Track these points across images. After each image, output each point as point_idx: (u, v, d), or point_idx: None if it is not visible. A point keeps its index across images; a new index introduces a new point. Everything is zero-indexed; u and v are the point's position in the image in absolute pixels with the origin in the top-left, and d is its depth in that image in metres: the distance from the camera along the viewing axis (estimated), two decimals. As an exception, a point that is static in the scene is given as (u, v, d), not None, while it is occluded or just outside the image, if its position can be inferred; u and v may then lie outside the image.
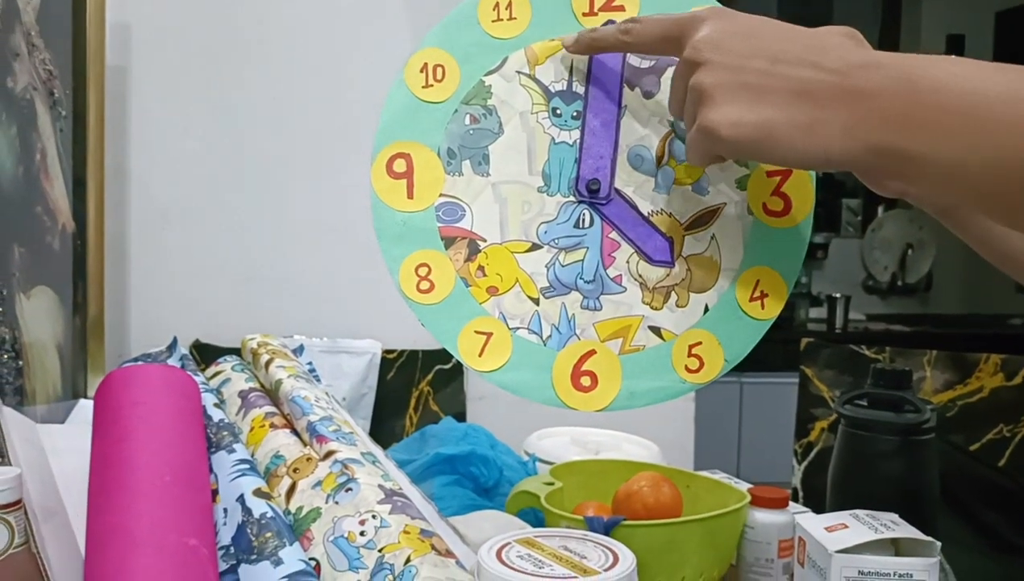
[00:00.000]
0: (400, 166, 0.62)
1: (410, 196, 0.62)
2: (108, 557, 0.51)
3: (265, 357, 0.80)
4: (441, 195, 0.62)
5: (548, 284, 0.62)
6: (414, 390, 1.52)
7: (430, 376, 1.52)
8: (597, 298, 0.62)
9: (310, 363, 0.89)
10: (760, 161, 0.53)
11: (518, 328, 0.61)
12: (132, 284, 1.56)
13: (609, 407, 0.62)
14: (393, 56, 1.56)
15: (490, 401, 1.58)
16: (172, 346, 0.84)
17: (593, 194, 0.62)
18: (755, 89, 0.49)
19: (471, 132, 0.62)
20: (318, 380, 0.85)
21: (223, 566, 0.55)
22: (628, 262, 0.63)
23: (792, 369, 1.49)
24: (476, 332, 0.61)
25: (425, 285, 0.61)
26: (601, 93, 0.63)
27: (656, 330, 0.63)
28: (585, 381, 0.61)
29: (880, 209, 3.64)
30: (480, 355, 0.61)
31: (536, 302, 0.62)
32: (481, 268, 0.61)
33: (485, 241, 0.62)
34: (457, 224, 0.62)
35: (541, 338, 0.62)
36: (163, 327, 1.51)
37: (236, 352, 0.89)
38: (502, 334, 0.61)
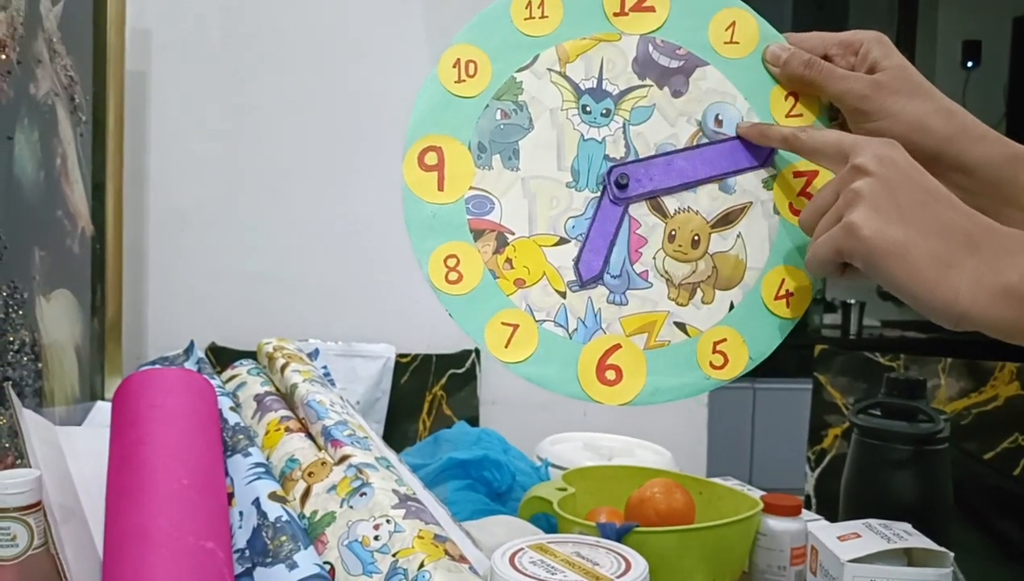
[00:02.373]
0: (431, 159, 0.62)
1: (440, 188, 0.62)
2: (126, 559, 0.52)
3: (281, 361, 0.80)
4: (471, 188, 0.63)
5: (575, 278, 0.62)
6: (427, 394, 1.52)
7: (443, 380, 1.53)
8: (623, 293, 0.62)
9: (325, 367, 0.89)
10: (882, 284, 0.53)
11: (544, 321, 0.62)
12: (149, 287, 1.57)
13: (633, 401, 0.62)
14: (409, 62, 1.57)
15: (503, 406, 1.59)
16: (189, 350, 0.85)
17: (620, 188, 0.62)
18: (906, 212, 0.51)
19: (502, 127, 0.63)
20: (332, 384, 0.85)
21: (238, 569, 0.56)
22: (655, 258, 0.63)
23: (806, 375, 1.49)
24: (503, 324, 0.61)
25: (453, 276, 0.61)
26: (714, 156, 0.63)
27: (681, 326, 0.63)
28: (610, 375, 0.62)
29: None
30: (506, 346, 0.61)
31: (563, 295, 0.62)
32: (509, 261, 0.62)
33: (513, 234, 0.62)
34: (486, 217, 0.62)
35: (567, 331, 0.62)
36: (180, 330, 1.52)
37: (252, 355, 0.90)
38: (528, 326, 0.61)
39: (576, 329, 0.62)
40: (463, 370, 1.53)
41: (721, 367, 0.63)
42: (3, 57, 0.91)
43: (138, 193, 1.53)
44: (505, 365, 0.61)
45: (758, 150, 0.64)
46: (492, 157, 0.63)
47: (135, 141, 1.50)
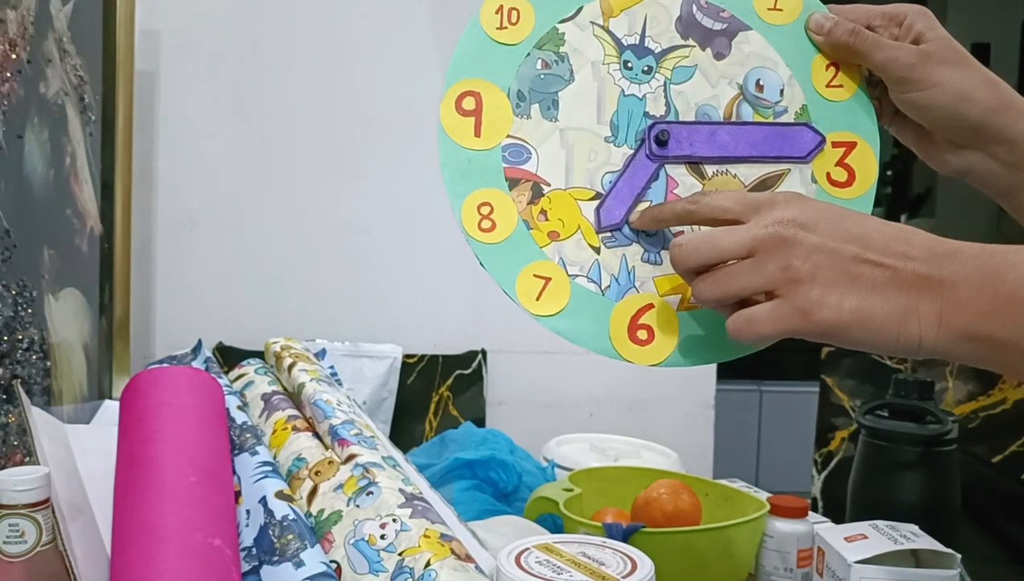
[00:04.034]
0: (469, 103, 0.62)
1: (477, 134, 0.61)
2: (134, 556, 0.52)
3: (288, 360, 0.80)
4: (508, 136, 0.62)
5: (610, 234, 0.61)
6: (434, 395, 1.53)
7: (450, 381, 1.53)
8: (658, 252, 0.62)
9: (332, 367, 0.89)
10: (846, 346, 0.52)
11: (577, 275, 0.61)
12: (157, 287, 1.57)
13: (664, 363, 0.60)
14: (418, 65, 1.58)
15: (509, 406, 1.59)
16: (197, 348, 0.85)
17: (659, 145, 0.62)
18: (851, 275, 0.50)
19: (542, 76, 0.63)
20: (339, 384, 0.86)
21: (245, 567, 0.56)
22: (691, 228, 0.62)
23: (812, 378, 1.48)
24: (535, 276, 0.60)
25: (487, 224, 0.60)
26: (760, 139, 0.62)
27: None
28: (642, 334, 0.60)
29: (903, 217, 3.61)
30: (538, 299, 0.60)
31: (597, 251, 0.61)
32: (544, 212, 0.61)
33: (549, 185, 0.61)
34: (522, 166, 0.61)
35: (600, 287, 0.61)
36: (187, 329, 1.53)
37: (259, 355, 0.90)
38: (561, 280, 0.60)
39: (609, 286, 0.61)
40: (469, 371, 1.54)
41: None
42: (14, 56, 0.91)
43: (147, 193, 1.54)
44: (535, 318, 0.60)
45: (804, 143, 0.63)
46: (531, 106, 0.62)
47: (144, 141, 1.51)
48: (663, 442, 1.06)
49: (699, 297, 0.55)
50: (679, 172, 0.62)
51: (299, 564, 0.54)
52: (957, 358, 0.50)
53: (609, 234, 0.61)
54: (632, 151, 0.62)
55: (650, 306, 0.61)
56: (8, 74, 0.90)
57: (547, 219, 0.61)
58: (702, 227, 0.58)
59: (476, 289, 1.57)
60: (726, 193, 0.56)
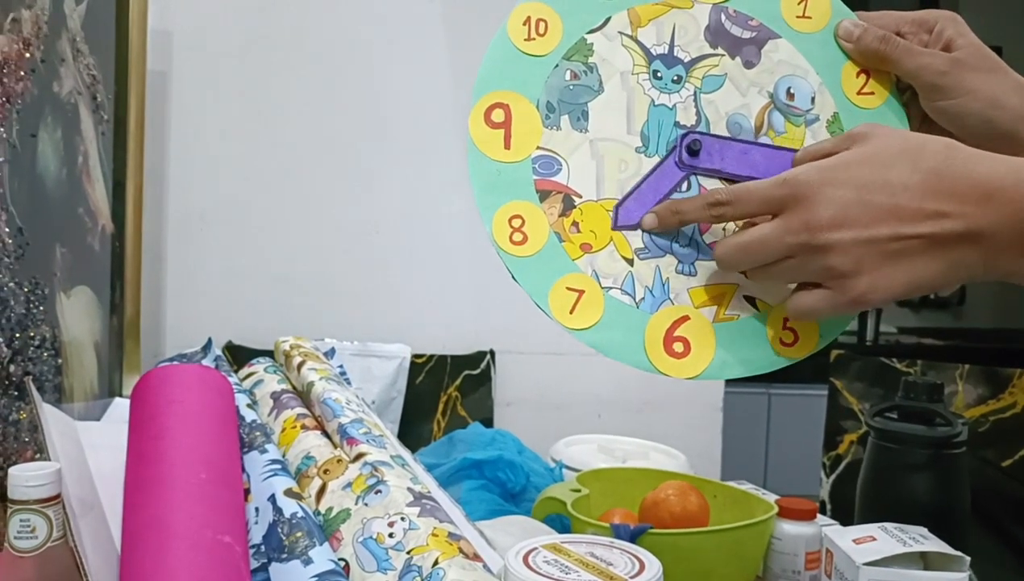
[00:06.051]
0: (498, 116, 0.61)
1: (507, 146, 0.61)
2: (144, 552, 0.52)
3: (297, 359, 0.81)
4: (538, 148, 0.61)
5: (643, 245, 0.61)
6: (442, 395, 1.53)
7: (458, 381, 1.53)
8: (692, 263, 0.61)
9: (341, 366, 0.89)
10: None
11: (611, 288, 0.60)
12: (168, 285, 1.58)
13: (701, 375, 0.60)
14: (428, 63, 1.58)
15: (518, 407, 1.59)
16: (207, 347, 0.86)
17: (691, 154, 0.61)
18: (893, 254, 0.51)
19: (571, 87, 0.62)
20: (348, 383, 0.86)
21: (254, 564, 0.56)
22: (724, 229, 0.61)
23: (821, 381, 1.48)
24: (568, 289, 0.59)
25: (518, 237, 0.60)
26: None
27: (751, 300, 0.61)
28: (678, 347, 0.60)
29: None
30: (571, 312, 0.59)
31: (630, 263, 0.60)
32: (576, 224, 0.60)
33: (580, 197, 0.61)
34: (553, 178, 0.61)
35: (634, 300, 0.60)
36: (197, 328, 1.53)
37: (269, 354, 0.90)
38: (594, 292, 0.60)
39: (643, 298, 0.60)
40: (478, 371, 1.54)
41: (791, 344, 0.61)
42: (28, 56, 0.92)
43: (157, 192, 1.54)
44: (569, 331, 0.59)
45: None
46: (561, 117, 0.62)
47: (155, 140, 1.51)
48: (671, 444, 1.06)
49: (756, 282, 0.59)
50: (712, 183, 0.62)
51: (307, 562, 0.55)
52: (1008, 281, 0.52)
53: (643, 246, 0.61)
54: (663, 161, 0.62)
55: (685, 318, 0.60)
56: (22, 73, 0.91)
57: (579, 231, 0.60)
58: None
59: (484, 290, 1.58)
60: (751, 195, 0.55)
